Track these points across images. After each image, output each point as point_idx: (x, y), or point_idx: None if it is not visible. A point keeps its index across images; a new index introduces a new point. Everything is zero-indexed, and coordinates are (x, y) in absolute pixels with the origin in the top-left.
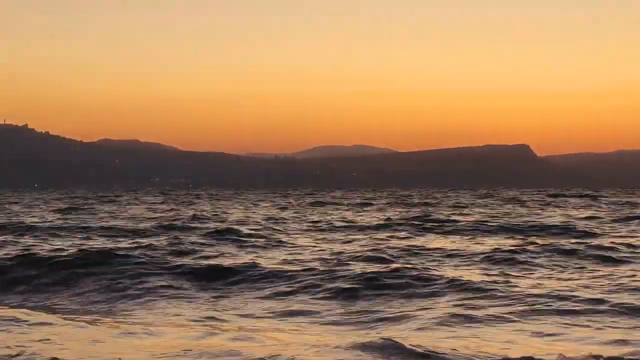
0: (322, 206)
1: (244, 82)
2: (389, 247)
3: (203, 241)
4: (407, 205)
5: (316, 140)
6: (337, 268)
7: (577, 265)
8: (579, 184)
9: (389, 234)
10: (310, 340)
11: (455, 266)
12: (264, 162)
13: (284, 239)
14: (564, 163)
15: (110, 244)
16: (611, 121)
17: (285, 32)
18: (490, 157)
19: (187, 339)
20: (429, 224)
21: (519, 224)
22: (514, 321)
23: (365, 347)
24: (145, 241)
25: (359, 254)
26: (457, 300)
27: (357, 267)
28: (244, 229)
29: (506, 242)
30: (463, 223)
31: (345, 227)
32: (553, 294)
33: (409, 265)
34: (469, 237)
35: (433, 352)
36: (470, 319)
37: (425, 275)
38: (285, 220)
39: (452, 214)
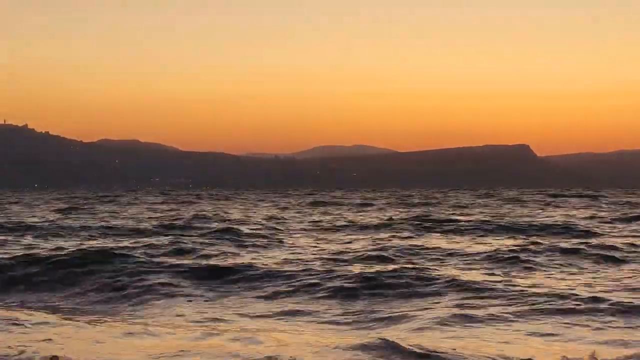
0: (322, 206)
1: (244, 82)
2: (389, 247)
3: (204, 241)
4: (408, 205)
5: (316, 140)
6: (337, 268)
7: (577, 265)
8: (579, 184)
9: (389, 234)
10: (310, 340)
11: (455, 266)
12: (264, 162)
13: (284, 239)
14: (564, 163)
15: (110, 244)
16: (611, 121)
17: (285, 32)
18: (490, 157)
19: (187, 339)
20: (429, 224)
21: (519, 224)
22: (515, 321)
23: (364, 347)
24: (145, 241)
25: (359, 254)
26: (457, 300)
27: (358, 267)
28: (245, 229)
29: (507, 242)
30: (463, 223)
31: (345, 227)
32: (554, 293)
33: (409, 265)
34: (470, 237)
35: (433, 352)
36: (470, 319)
37: (425, 275)
38: (285, 220)
39: (453, 214)
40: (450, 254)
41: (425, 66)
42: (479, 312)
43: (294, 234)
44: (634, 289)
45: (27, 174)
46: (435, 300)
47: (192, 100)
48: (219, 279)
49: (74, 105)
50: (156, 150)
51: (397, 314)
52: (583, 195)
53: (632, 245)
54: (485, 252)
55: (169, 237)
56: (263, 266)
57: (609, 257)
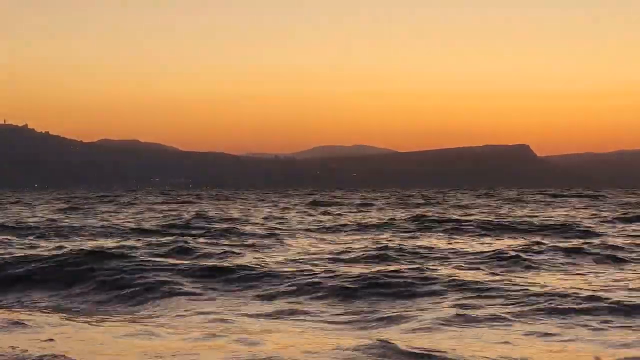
0: (323, 206)
1: (244, 82)
2: (389, 247)
3: (204, 241)
4: (408, 205)
5: (316, 140)
6: (338, 268)
7: (578, 265)
8: (579, 184)
9: (389, 234)
10: (310, 341)
11: (456, 266)
12: (264, 162)
13: (284, 239)
14: (564, 163)
15: (111, 244)
16: (611, 121)
17: (285, 32)
18: (490, 157)
19: (188, 340)
20: (429, 224)
21: (520, 224)
22: (515, 321)
23: (364, 348)
24: (146, 241)
25: (359, 254)
26: (457, 300)
27: (358, 267)
28: (245, 229)
29: (507, 242)
30: (464, 223)
31: (345, 227)
32: (554, 293)
33: (409, 265)
34: (470, 237)
35: (432, 353)
36: (470, 319)
37: (425, 275)
38: (285, 220)
39: (453, 214)
40: (451, 254)
41: (425, 66)
42: (480, 312)
43: (294, 234)
44: (635, 289)
45: (27, 174)
46: (436, 301)
47: (192, 100)
48: (219, 278)
49: (74, 105)
50: (156, 150)
51: (397, 314)
52: (583, 195)
53: (634, 245)
54: (486, 252)
55: (170, 237)
56: (263, 266)
57: (610, 257)
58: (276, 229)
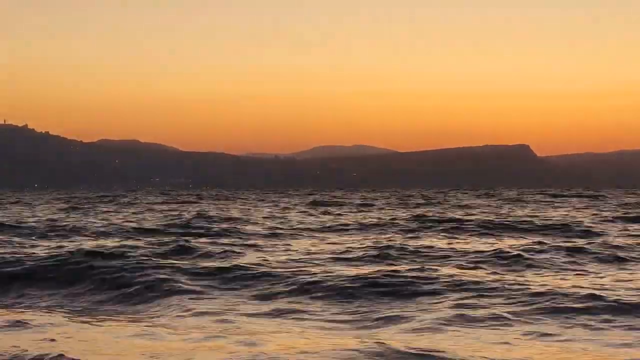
0: (323, 206)
1: (244, 82)
2: (389, 247)
3: (205, 240)
4: (408, 205)
5: (316, 140)
6: (338, 268)
7: (579, 265)
8: (579, 184)
9: (389, 234)
10: (310, 341)
11: (456, 266)
12: (264, 162)
13: (285, 239)
14: (564, 163)
15: (111, 244)
16: (611, 121)
17: (285, 32)
18: (490, 157)
19: (189, 340)
20: (430, 224)
21: (520, 224)
22: (515, 321)
23: (364, 348)
24: (146, 241)
25: (359, 254)
26: (457, 300)
27: (358, 267)
28: (245, 229)
29: (508, 242)
30: (464, 223)
31: (345, 227)
32: (555, 293)
33: (410, 265)
34: (471, 236)
35: (432, 353)
36: (470, 320)
37: (426, 275)
38: (286, 220)
39: (454, 213)
40: (451, 254)
41: (425, 66)
42: (480, 312)
43: (295, 234)
44: (636, 288)
45: (27, 174)
46: (436, 300)
47: (192, 100)
48: (220, 278)
49: (74, 105)
50: (156, 150)
51: (397, 313)
52: (583, 195)
53: (635, 244)
54: (487, 252)
55: (170, 236)
56: (264, 266)
57: (611, 257)
58: (276, 228)
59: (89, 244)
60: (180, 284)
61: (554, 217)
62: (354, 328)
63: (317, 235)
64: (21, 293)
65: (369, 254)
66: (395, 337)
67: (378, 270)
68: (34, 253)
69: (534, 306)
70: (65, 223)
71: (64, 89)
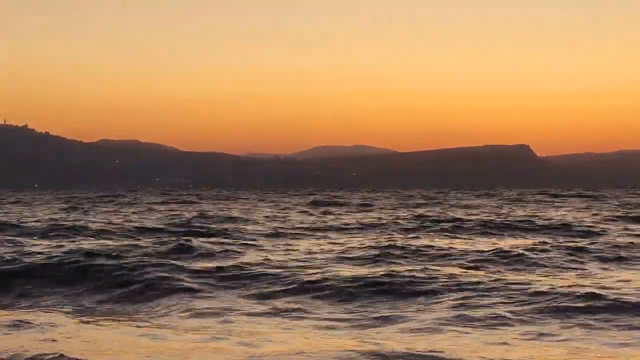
0: (323, 206)
1: (244, 82)
2: (390, 247)
3: (205, 240)
4: (409, 205)
5: (316, 140)
6: (339, 267)
7: (580, 264)
8: (579, 184)
9: (390, 234)
10: (310, 341)
11: (456, 266)
12: (264, 162)
13: (285, 239)
14: (564, 163)
15: (112, 243)
16: (611, 121)
17: (285, 32)
18: (490, 157)
19: (189, 340)
20: (430, 224)
21: (521, 224)
22: (516, 321)
23: (363, 349)
24: (147, 240)
25: (359, 254)
26: (458, 300)
27: (359, 267)
28: (246, 229)
29: (508, 242)
30: (465, 222)
31: (345, 227)
32: (556, 293)
33: (410, 265)
34: (471, 236)
35: (431, 353)
36: (471, 320)
37: (426, 275)
38: (286, 220)
39: (454, 213)
40: (451, 254)
41: (425, 66)
42: (480, 313)
43: (295, 233)
44: (637, 288)
45: (27, 174)
46: (436, 300)
47: (192, 100)
48: (220, 277)
49: (74, 105)
50: (156, 150)
51: (397, 313)
52: (584, 195)
53: (636, 244)
54: (487, 252)
55: (171, 236)
56: (264, 265)
57: (612, 257)
58: (277, 228)
59: (89, 243)
60: (181, 284)
61: (554, 217)
62: (354, 328)
63: (317, 235)
64: (22, 292)
65: (369, 254)
66: (395, 337)
67: (378, 270)
68: (34, 253)
69: (535, 306)
70: (65, 223)
71: (64, 89)
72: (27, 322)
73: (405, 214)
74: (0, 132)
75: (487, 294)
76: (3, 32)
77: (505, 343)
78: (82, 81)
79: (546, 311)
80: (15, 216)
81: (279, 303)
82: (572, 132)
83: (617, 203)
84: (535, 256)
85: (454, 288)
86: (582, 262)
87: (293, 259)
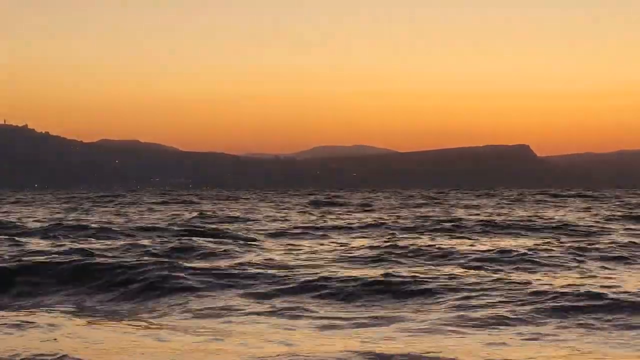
0: (323, 206)
1: (244, 82)
2: (390, 247)
3: (206, 240)
4: (409, 205)
5: (316, 140)
6: (338, 268)
7: (580, 264)
8: (579, 184)
9: (390, 234)
10: (309, 341)
11: (458, 266)
12: (264, 162)
13: (285, 239)
14: (564, 163)
15: (112, 243)
16: (611, 121)
17: (285, 32)
18: (490, 157)
19: (189, 340)
20: (431, 224)
21: (521, 224)
22: (516, 322)
23: (362, 349)
24: (148, 240)
25: (359, 254)
26: (458, 300)
27: (358, 267)
28: (246, 228)
29: (509, 242)
30: (465, 222)
31: (345, 227)
32: (557, 293)
33: (410, 265)
34: (471, 237)
35: (431, 355)
36: (471, 320)
37: (427, 275)
38: (286, 220)
39: (454, 213)
40: (452, 254)
41: (425, 66)
42: (480, 313)
43: (295, 233)
44: (638, 288)
45: (27, 174)
46: (436, 301)
47: (192, 100)
48: (221, 277)
49: (74, 105)
50: (156, 150)
51: (397, 314)
52: (584, 195)
53: (637, 244)
54: (488, 252)
55: (171, 236)
56: (264, 265)
57: (613, 256)
58: (277, 228)
59: (89, 243)
60: (181, 283)
61: (555, 216)
62: (354, 328)
63: (317, 235)
64: (22, 292)
65: (370, 254)
66: (395, 338)
67: (378, 270)
68: (34, 252)
69: (535, 306)
70: (66, 222)
71: (64, 89)
72: (28, 322)
73: (405, 214)
74: (0, 132)
75: (487, 294)
76: (3, 32)
77: (505, 343)
78: (82, 81)
79: (546, 311)
80: (16, 216)
81: (279, 303)
82: (572, 132)
83: (617, 203)
84: (535, 256)
85: (454, 288)
86: (582, 262)
87: (293, 259)
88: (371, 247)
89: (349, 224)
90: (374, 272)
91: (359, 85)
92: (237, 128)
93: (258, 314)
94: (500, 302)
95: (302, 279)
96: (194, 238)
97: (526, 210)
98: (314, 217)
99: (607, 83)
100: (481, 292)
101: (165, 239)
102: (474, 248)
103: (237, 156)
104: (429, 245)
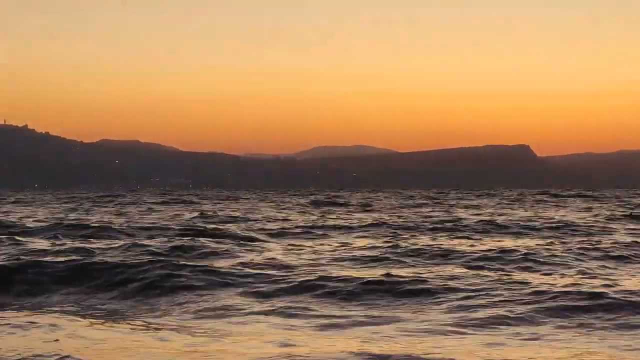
0: (323, 206)
1: (244, 82)
2: (390, 247)
3: (207, 240)
4: (409, 205)
5: (316, 140)
6: (338, 268)
7: (581, 264)
8: (579, 184)
9: (390, 234)
10: (309, 342)
11: (458, 266)
12: (264, 162)
13: (285, 239)
14: (564, 163)
15: (112, 243)
16: (611, 121)
17: (285, 32)
18: (490, 157)
19: (190, 340)
20: (431, 224)
21: (522, 224)
22: (516, 322)
23: (362, 350)
24: (148, 240)
25: (359, 255)
26: (458, 300)
27: (358, 267)
28: (246, 228)
29: (509, 242)
30: (466, 223)
31: (345, 227)
32: (557, 293)
33: (410, 266)
34: (472, 237)
35: (431, 355)
36: (471, 320)
37: (426, 276)
38: (286, 220)
39: (455, 213)
40: (452, 254)
41: (425, 66)
42: (480, 313)
43: (295, 233)
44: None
45: (27, 174)
46: (436, 301)
47: (192, 100)
48: (220, 277)
49: (74, 105)
50: (156, 150)
51: (397, 314)
52: (584, 195)
53: (638, 244)
54: (488, 252)
55: (172, 235)
56: (264, 265)
57: (614, 256)
58: (277, 228)
59: (90, 243)
60: (183, 283)
61: (555, 216)
62: (354, 328)
63: (317, 235)
64: (24, 292)
65: (370, 254)
66: (394, 338)
67: (378, 270)
68: (35, 252)
69: (535, 306)
70: (66, 222)
71: (64, 89)
72: (30, 323)
73: (405, 214)
74: (0, 132)
75: (487, 293)
76: (3, 32)
77: (505, 344)
78: (82, 81)
79: (546, 311)
80: (16, 216)
81: (280, 302)
82: (572, 132)
83: (617, 203)
84: (535, 256)
85: (454, 288)
86: (583, 262)
87: (294, 259)
88: (371, 247)
89: (349, 224)
90: (374, 272)
91: (359, 85)
92: (237, 128)
93: (258, 313)
94: (500, 302)
95: (303, 279)
96: (195, 238)
97: (526, 210)
98: (314, 217)
99: (607, 83)
100: (481, 292)
101: (166, 239)
102: (474, 248)
103: (237, 156)
104: (429, 245)
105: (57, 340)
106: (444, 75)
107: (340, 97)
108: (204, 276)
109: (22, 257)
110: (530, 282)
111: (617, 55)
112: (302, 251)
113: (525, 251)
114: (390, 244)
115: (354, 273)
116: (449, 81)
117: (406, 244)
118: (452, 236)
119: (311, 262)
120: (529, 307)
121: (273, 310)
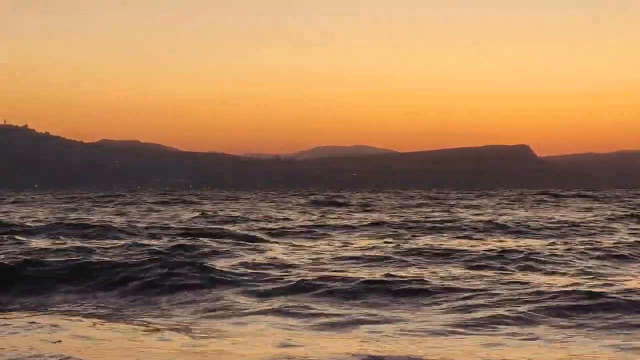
0: (323, 206)
1: (244, 82)
2: (390, 247)
3: (207, 240)
4: (409, 205)
5: (316, 140)
6: (338, 268)
7: (581, 264)
8: (579, 184)
9: (390, 234)
10: (309, 342)
11: (458, 266)
12: (264, 162)
13: (285, 239)
14: (564, 163)
15: (113, 243)
16: (611, 121)
17: (285, 32)
18: (490, 157)
19: (190, 340)
20: (431, 224)
21: (522, 224)
22: (517, 322)
23: (362, 350)
24: (148, 240)
25: (359, 255)
26: (458, 301)
27: (358, 267)
28: (246, 228)
29: (510, 242)
30: (466, 223)
31: (346, 227)
32: (557, 293)
33: (410, 266)
34: (472, 237)
35: (430, 356)
36: (471, 321)
37: (426, 276)
38: (286, 220)
39: (455, 214)
40: (452, 254)
41: (425, 66)
42: (480, 314)
43: (295, 233)
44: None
45: (27, 174)
46: (436, 301)
47: (192, 100)
48: (222, 277)
49: (74, 105)
50: (156, 150)
51: (396, 314)
52: (584, 195)
53: (638, 244)
54: (488, 252)
55: (172, 235)
56: (264, 265)
57: (615, 256)
58: (278, 228)
59: (90, 242)
60: (183, 284)
61: (556, 217)
62: (354, 328)
63: (318, 235)
64: (25, 291)
65: (370, 254)
66: (394, 338)
67: (378, 270)
68: (36, 251)
69: (535, 306)
70: (67, 222)
71: (64, 89)
72: (31, 323)
73: (406, 214)
74: (0, 132)
75: (487, 293)
76: (3, 32)
77: (505, 344)
78: (82, 81)
79: (547, 311)
80: (16, 216)
81: (280, 302)
82: (572, 132)
83: (618, 203)
84: (535, 256)
85: (454, 288)
86: (583, 261)
87: (294, 259)
88: (372, 247)
89: (349, 224)
90: (374, 272)
91: (359, 85)
92: (237, 128)
93: (258, 313)
94: (500, 302)
95: (303, 279)
96: (195, 237)
97: (526, 211)
98: (314, 217)
99: (607, 83)
100: (481, 292)
101: (167, 238)
102: (474, 248)
103: (237, 156)
104: (429, 245)
105: (59, 341)
106: (444, 75)
107: (340, 97)
108: (204, 275)
109: (23, 256)
110: (530, 282)
111: (617, 55)
112: (303, 251)
113: (525, 251)
114: (390, 244)
115: (354, 273)
116: (449, 81)
117: (406, 244)
118: (452, 236)
119: (311, 261)
120: (529, 307)
121: (273, 309)
